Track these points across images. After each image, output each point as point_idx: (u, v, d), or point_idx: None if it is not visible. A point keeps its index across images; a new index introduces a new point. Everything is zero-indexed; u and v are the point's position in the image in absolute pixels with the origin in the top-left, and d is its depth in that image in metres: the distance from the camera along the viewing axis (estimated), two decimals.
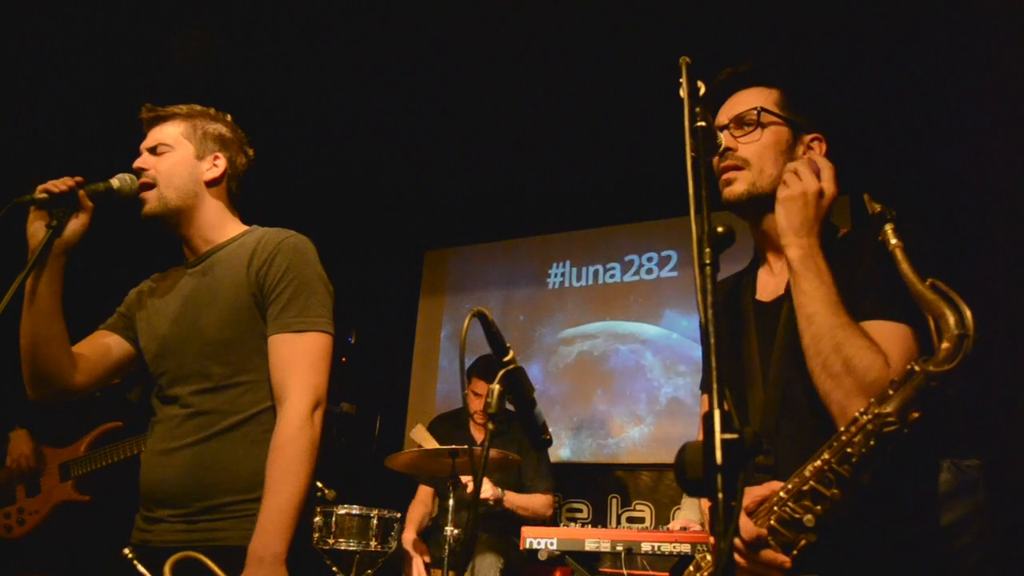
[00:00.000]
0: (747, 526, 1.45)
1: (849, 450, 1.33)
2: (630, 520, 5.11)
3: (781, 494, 1.41)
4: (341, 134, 5.10)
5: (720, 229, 1.13)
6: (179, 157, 2.07)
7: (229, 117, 2.21)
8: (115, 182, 1.98)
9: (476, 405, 4.40)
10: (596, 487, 5.33)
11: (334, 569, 3.70)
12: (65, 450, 3.64)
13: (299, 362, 1.88)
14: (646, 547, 3.35)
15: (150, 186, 2.03)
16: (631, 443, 5.38)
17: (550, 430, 1.39)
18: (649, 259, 5.69)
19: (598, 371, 5.65)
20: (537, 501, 4.17)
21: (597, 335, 5.73)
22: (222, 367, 1.93)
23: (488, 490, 3.93)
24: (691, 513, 4.06)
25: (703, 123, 1.30)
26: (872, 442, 1.32)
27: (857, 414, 1.35)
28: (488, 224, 6.15)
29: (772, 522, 1.40)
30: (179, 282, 2.10)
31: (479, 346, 4.88)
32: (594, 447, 5.48)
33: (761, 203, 1.69)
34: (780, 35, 3.96)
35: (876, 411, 1.32)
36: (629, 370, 5.56)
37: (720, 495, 0.89)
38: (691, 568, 1.66)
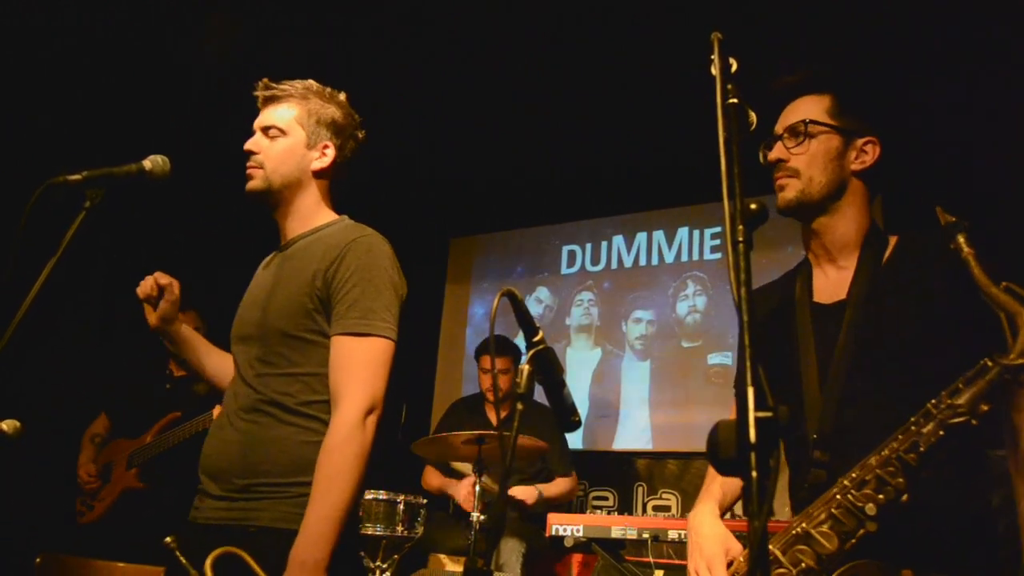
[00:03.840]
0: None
1: (918, 440, 1.40)
2: (656, 508, 5.10)
3: (845, 483, 1.46)
4: (365, 122, 5.11)
5: (753, 206, 1.12)
6: (290, 144, 2.08)
7: (343, 97, 2.21)
8: (147, 163, 1.99)
9: (485, 383, 4.46)
10: (622, 475, 5.33)
11: (361, 554, 3.71)
12: (135, 441, 3.85)
13: (357, 366, 1.86)
14: (673, 535, 3.33)
15: (259, 167, 2.06)
16: (657, 431, 5.36)
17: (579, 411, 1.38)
18: (678, 244, 5.66)
19: (624, 356, 5.63)
20: (566, 486, 4.22)
21: (624, 321, 5.70)
22: (278, 356, 1.94)
23: (522, 492, 3.99)
24: None
25: (735, 100, 1.29)
26: (942, 432, 1.39)
27: (929, 406, 1.42)
28: (514, 211, 6.14)
29: (833, 510, 1.45)
30: (270, 265, 2.13)
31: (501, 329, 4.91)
32: (620, 435, 5.47)
33: (811, 208, 1.76)
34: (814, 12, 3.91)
35: (948, 402, 1.40)
36: (656, 357, 5.53)
37: (754, 474, 0.88)
38: (741, 559, 1.66)
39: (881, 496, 1.40)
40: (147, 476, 3.79)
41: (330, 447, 1.79)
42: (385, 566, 3.71)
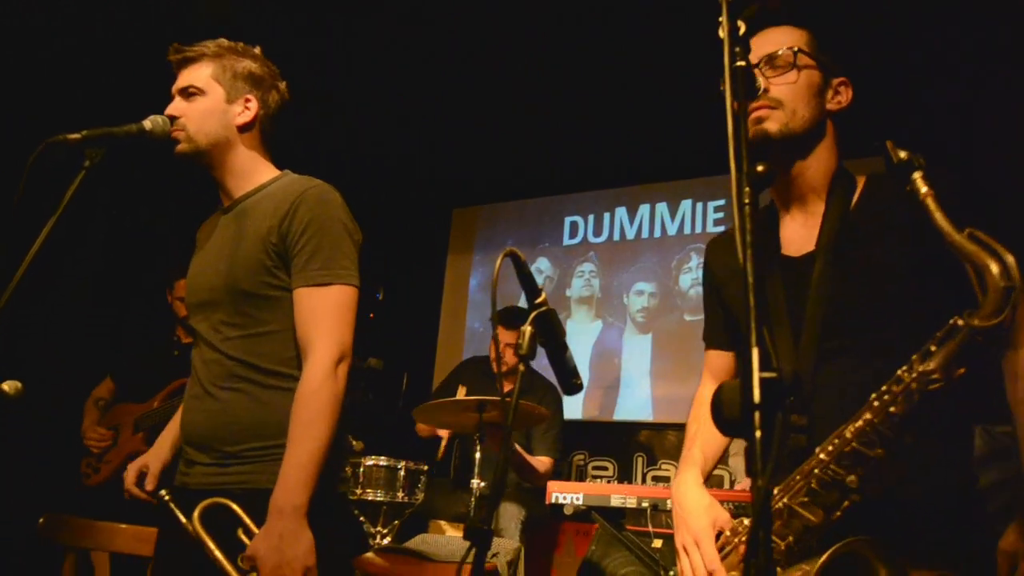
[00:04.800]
0: (714, 558, 1.54)
1: (892, 409, 1.31)
2: (656, 479, 5.12)
3: (822, 456, 1.38)
4: (369, 91, 5.07)
5: (760, 168, 1.10)
6: (210, 102, 2.05)
7: (258, 50, 2.17)
8: (147, 123, 1.98)
9: (494, 352, 4.43)
10: (622, 445, 5.35)
11: (361, 519, 3.74)
12: (142, 405, 3.87)
13: (324, 315, 1.87)
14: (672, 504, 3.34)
15: (182, 130, 2.04)
16: (658, 402, 5.37)
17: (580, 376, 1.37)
18: (681, 217, 5.64)
19: (625, 328, 5.62)
20: (540, 464, 4.16)
21: (625, 292, 5.69)
22: (243, 317, 1.95)
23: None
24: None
25: (742, 63, 1.26)
26: (916, 399, 1.29)
27: (900, 372, 1.32)
28: (517, 182, 6.12)
29: (813, 485, 1.38)
30: (216, 229, 2.12)
31: (509, 296, 4.90)
32: (621, 405, 5.49)
33: (792, 145, 1.63)
34: None
35: (920, 369, 1.29)
36: (657, 330, 5.53)
37: (758, 433, 0.87)
38: (728, 532, 1.60)
39: (862, 468, 1.34)
40: (153, 440, 3.81)
41: (303, 396, 1.81)
42: (386, 531, 3.73)
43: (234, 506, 1.79)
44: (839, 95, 1.67)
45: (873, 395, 1.35)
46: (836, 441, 1.37)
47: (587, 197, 6.02)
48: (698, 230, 5.53)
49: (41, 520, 2.56)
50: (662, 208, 5.71)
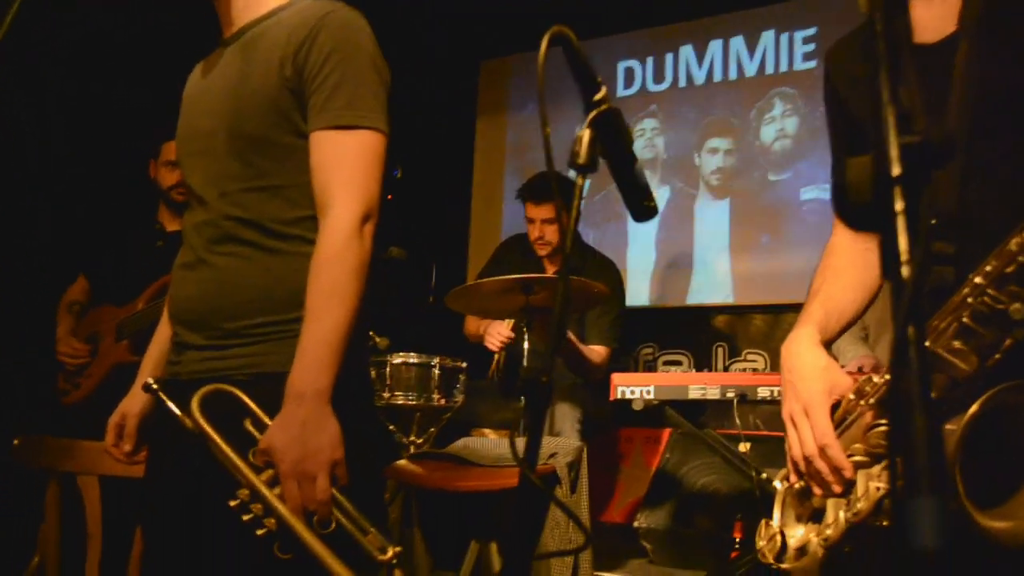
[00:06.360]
0: (826, 430, 1.45)
1: None
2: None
3: (977, 280, 1.26)
4: None
5: None
6: None
7: None
8: None
9: (532, 233, 4.33)
10: (698, 334, 5.36)
11: (391, 428, 3.75)
12: (123, 308, 3.83)
13: (347, 164, 1.82)
14: (763, 392, 3.26)
15: None
16: (740, 281, 5.33)
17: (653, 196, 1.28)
18: (762, 53, 5.48)
19: (698, 194, 5.54)
20: (595, 356, 4.10)
21: (696, 150, 5.59)
22: (248, 167, 1.89)
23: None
24: (858, 348, 3.88)
25: None
26: None
27: None
28: (555, 22, 5.89)
29: (965, 319, 1.26)
30: (216, 66, 2.05)
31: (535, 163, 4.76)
32: (694, 287, 5.46)
33: None
34: None
35: None
36: (733, 190, 5.44)
37: (900, 216, 0.78)
38: (851, 396, 1.51)
39: None
40: (140, 348, 3.80)
41: (323, 259, 1.76)
42: (420, 441, 3.74)
43: (239, 392, 1.76)
44: None
45: None
46: (995, 261, 1.25)
47: (644, 36, 5.86)
48: (783, 68, 5.37)
49: (16, 441, 2.58)
50: (737, 43, 5.54)
